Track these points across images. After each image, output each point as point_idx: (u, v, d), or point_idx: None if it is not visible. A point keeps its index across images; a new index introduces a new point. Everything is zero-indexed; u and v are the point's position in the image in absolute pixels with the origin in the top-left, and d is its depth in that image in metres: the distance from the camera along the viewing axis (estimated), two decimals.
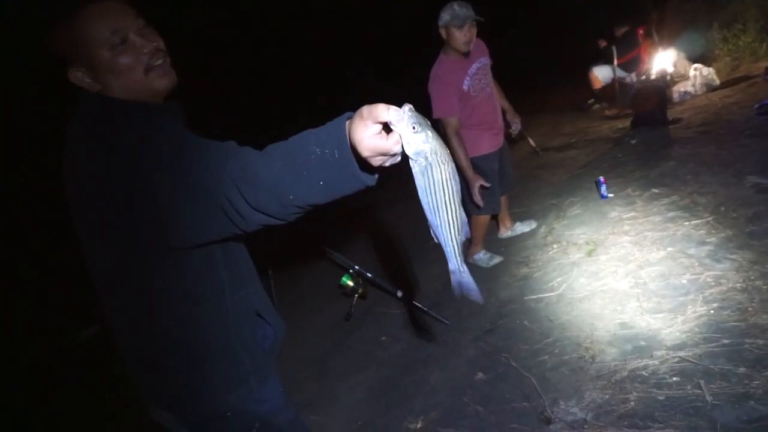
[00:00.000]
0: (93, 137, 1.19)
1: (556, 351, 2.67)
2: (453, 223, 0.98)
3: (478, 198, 3.27)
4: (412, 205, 4.58)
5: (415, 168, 0.93)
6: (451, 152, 3.05)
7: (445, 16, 3.15)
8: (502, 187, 3.75)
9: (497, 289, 3.46)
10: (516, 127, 3.81)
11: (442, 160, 0.93)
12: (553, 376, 2.52)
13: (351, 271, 3.45)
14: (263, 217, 1.06)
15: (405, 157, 0.95)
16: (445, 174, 0.94)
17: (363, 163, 0.96)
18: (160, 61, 1.26)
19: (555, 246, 3.75)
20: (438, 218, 0.97)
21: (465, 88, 3.24)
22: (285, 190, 1.00)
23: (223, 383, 1.36)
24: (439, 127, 3.30)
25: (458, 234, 1.00)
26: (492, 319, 3.16)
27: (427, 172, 0.93)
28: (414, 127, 0.89)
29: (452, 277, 1.06)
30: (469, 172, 3.23)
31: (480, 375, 2.71)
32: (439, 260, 4.19)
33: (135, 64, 1.22)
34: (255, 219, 1.06)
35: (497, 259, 3.81)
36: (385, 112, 0.89)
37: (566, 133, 6.50)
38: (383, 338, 3.38)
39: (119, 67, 1.20)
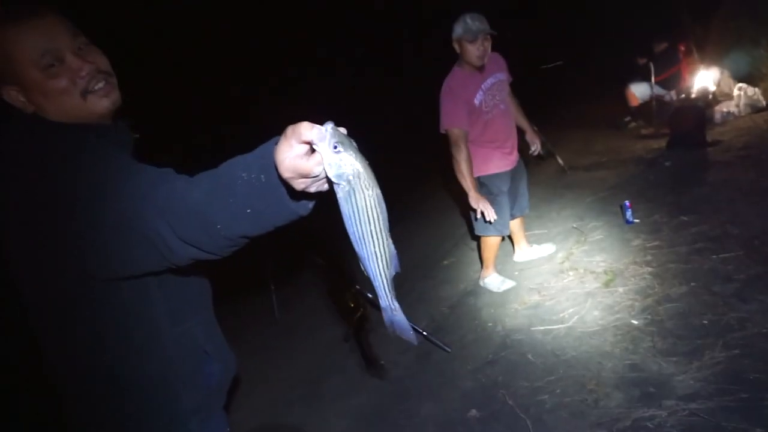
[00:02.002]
0: (18, 162, 1.12)
1: (558, 391, 2.48)
2: (381, 255, 0.89)
3: (490, 214, 3.12)
4: (427, 221, 4.49)
5: (339, 193, 0.85)
6: (455, 167, 2.91)
7: (458, 29, 3.03)
8: (515, 209, 3.58)
9: (504, 316, 3.27)
10: (535, 148, 3.63)
11: (365, 185, 0.84)
12: (550, 418, 2.33)
13: (352, 290, 3.34)
14: (193, 250, 0.97)
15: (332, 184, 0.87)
16: (370, 201, 0.85)
17: (293, 191, 0.88)
18: (100, 84, 1.17)
19: (571, 273, 3.53)
20: (365, 249, 0.88)
21: (477, 102, 3.10)
22: (212, 219, 0.91)
23: (159, 424, 1.26)
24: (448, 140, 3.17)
25: (387, 267, 0.91)
26: (495, 349, 2.98)
27: (350, 198, 0.84)
28: (335, 147, 0.81)
29: (383, 315, 0.96)
30: (472, 190, 3.09)
31: (473, 412, 2.54)
32: (450, 281, 4.04)
33: (69, 87, 1.13)
34: (184, 252, 0.98)
35: (509, 284, 3.62)
36: (307, 130, 0.81)
37: (598, 152, 6.22)
38: (381, 362, 3.23)
39: (51, 90, 1.12)
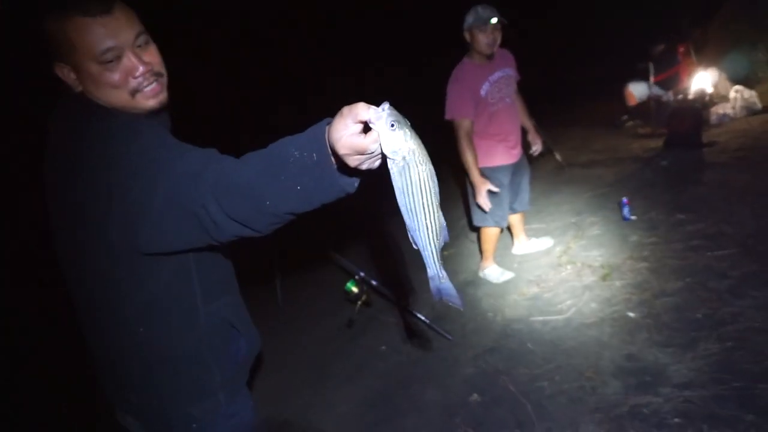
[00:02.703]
0: (73, 137, 1.17)
1: (557, 378, 2.57)
2: (431, 226, 0.95)
3: (484, 202, 3.22)
4: None
5: (393, 168, 0.92)
6: (460, 155, 3.00)
7: (468, 19, 3.11)
8: (517, 204, 3.65)
9: (504, 306, 3.36)
10: (536, 148, 3.70)
11: (420, 161, 0.91)
12: (550, 404, 2.41)
13: (356, 277, 3.40)
14: (238, 226, 1.01)
15: (385, 161, 0.93)
16: (424, 175, 0.91)
17: (342, 169, 0.94)
18: (151, 86, 1.21)
19: (569, 267, 3.62)
20: (416, 221, 0.94)
21: (483, 93, 3.17)
22: (262, 196, 0.96)
23: (190, 394, 1.33)
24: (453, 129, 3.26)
25: (437, 239, 0.97)
26: (495, 337, 3.07)
27: (405, 173, 0.91)
28: (392, 125, 0.87)
29: (431, 284, 1.02)
30: (476, 176, 3.19)
31: (475, 396, 2.62)
32: (450, 271, 4.02)
33: (121, 84, 1.17)
34: (230, 229, 1.02)
35: (508, 276, 3.70)
36: (364, 110, 0.88)
37: (595, 149, 6.31)
38: (383, 348, 3.31)
39: (104, 83, 1.16)
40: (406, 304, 3.31)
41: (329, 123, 0.92)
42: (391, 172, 0.92)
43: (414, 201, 0.92)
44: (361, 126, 0.89)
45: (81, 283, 1.28)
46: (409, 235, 0.98)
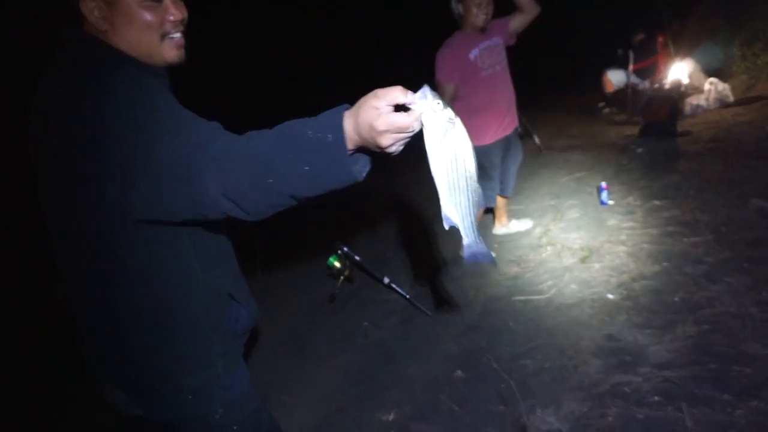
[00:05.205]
0: (79, 83, 1.10)
1: (539, 356, 2.62)
2: (470, 198, 0.99)
3: None
4: (409, 190, 4.48)
5: (436, 144, 0.94)
6: None
7: None
8: (503, 186, 3.67)
9: (485, 286, 3.39)
10: None
11: (462, 135, 0.95)
12: (533, 381, 2.46)
13: (339, 252, 3.38)
14: (231, 205, 0.97)
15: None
16: (465, 149, 0.96)
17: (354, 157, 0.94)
18: (178, 34, 1.21)
19: (549, 248, 3.68)
20: (457, 193, 0.98)
21: (472, 57, 3.17)
22: (266, 171, 0.92)
23: (188, 364, 1.29)
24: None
25: (475, 208, 1.02)
26: (477, 316, 3.10)
27: (449, 147, 0.94)
28: (438, 103, 0.91)
29: (466, 251, 1.07)
30: None
31: (459, 373, 2.65)
32: (431, 250, 4.12)
33: (155, 25, 1.16)
34: (223, 206, 0.97)
35: None
36: (402, 94, 0.89)
37: (572, 135, 6.40)
38: (365, 324, 3.31)
39: (139, 21, 1.14)
40: (389, 280, 3.30)
41: (347, 108, 0.92)
42: (432, 149, 0.94)
43: (457, 174, 0.96)
44: (392, 108, 0.89)
45: (72, 247, 1.21)
46: (443, 211, 1.00)
